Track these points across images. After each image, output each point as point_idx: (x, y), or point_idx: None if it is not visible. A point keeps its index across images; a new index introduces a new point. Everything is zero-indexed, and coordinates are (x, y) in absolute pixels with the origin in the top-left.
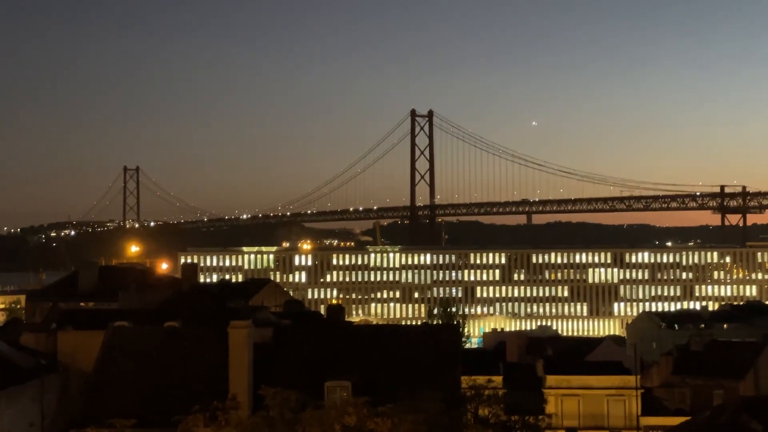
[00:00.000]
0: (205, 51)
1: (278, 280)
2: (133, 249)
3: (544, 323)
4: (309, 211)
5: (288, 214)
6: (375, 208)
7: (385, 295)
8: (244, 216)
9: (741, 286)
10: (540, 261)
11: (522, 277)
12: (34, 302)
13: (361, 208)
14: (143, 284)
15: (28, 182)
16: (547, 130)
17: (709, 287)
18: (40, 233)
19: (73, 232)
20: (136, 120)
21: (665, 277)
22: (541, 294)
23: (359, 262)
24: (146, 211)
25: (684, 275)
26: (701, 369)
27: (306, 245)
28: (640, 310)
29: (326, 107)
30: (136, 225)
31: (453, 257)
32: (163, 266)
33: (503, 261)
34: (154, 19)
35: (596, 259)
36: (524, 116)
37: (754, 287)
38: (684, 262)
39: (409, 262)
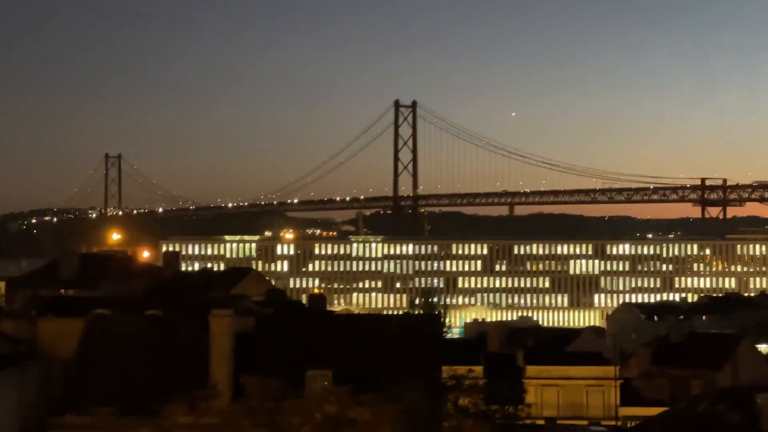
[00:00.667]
0: (189, 39)
1: (260, 269)
2: (115, 237)
3: (525, 314)
4: (292, 201)
5: (271, 203)
6: (358, 198)
7: (367, 285)
8: (227, 205)
9: (720, 278)
10: (522, 252)
11: (504, 268)
12: (14, 289)
13: (344, 198)
14: (125, 272)
15: (8, 169)
16: (529, 121)
17: (689, 279)
18: (20, 220)
19: (54, 219)
20: (119, 107)
21: (645, 269)
22: (522, 285)
23: (341, 252)
24: (128, 199)
25: (664, 267)
26: (680, 360)
27: (288, 234)
28: (621, 302)
29: (310, 96)
30: (119, 213)
31: (435, 247)
32: (145, 254)
33: (485, 252)
34: (137, 6)
35: (577, 251)
36: (507, 108)
37: (733, 279)
38: (664, 254)
39: (392, 252)
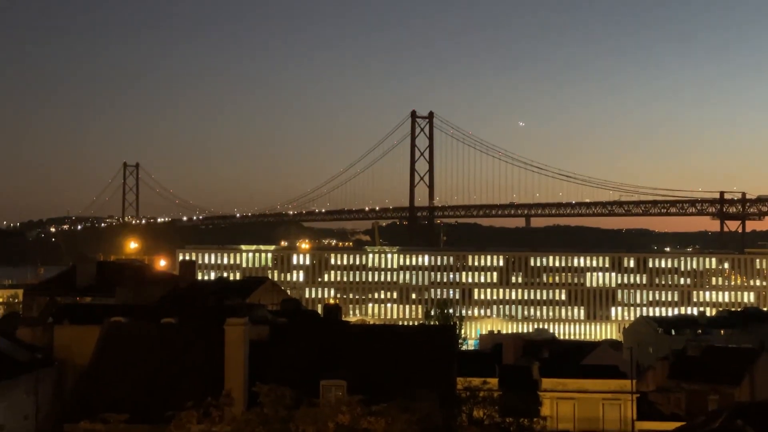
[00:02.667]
0: (207, 50)
1: (276, 278)
2: (132, 245)
3: (541, 326)
4: (308, 211)
5: (287, 213)
6: (374, 208)
7: (382, 296)
8: (244, 214)
9: (739, 293)
10: (538, 264)
11: (520, 279)
12: (32, 296)
13: (360, 209)
14: (141, 280)
15: (28, 177)
16: (546, 133)
17: (707, 293)
18: (39, 228)
19: (73, 227)
20: (137, 116)
21: (663, 282)
22: (538, 297)
23: (357, 262)
24: (145, 207)
25: (682, 281)
26: (697, 374)
27: (304, 244)
28: (638, 315)
29: (327, 107)
30: (136, 221)
31: (451, 259)
32: (161, 263)
33: (501, 263)
34: (156, 18)
35: (594, 263)
36: (524, 120)
37: (752, 294)
38: (682, 268)
39: (407, 263)
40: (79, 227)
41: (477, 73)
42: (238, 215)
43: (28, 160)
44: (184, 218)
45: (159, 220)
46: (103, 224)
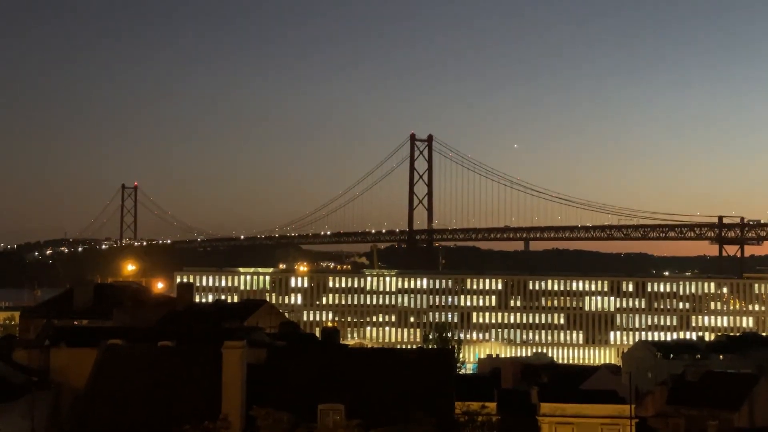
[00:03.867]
0: (205, 71)
1: (274, 301)
2: (130, 267)
3: (539, 350)
4: (306, 234)
5: (285, 235)
6: (372, 231)
7: (380, 319)
8: (242, 237)
9: (737, 317)
10: (537, 288)
11: (518, 303)
12: (29, 319)
13: (358, 231)
14: (138, 303)
15: (25, 199)
16: (545, 157)
17: (706, 318)
18: (36, 250)
19: (71, 249)
20: (135, 138)
21: (662, 307)
22: (537, 321)
23: (355, 285)
24: (144, 229)
25: (681, 305)
26: (696, 399)
27: (302, 267)
28: (636, 339)
29: (326, 129)
30: (134, 243)
31: (450, 282)
32: (159, 285)
33: (500, 287)
34: (154, 37)
35: (593, 287)
36: (523, 143)
37: (750, 318)
38: (681, 292)
39: (406, 286)
40: (77, 249)
41: (477, 97)
42: (236, 237)
43: (25, 182)
44: (183, 240)
45: (156, 241)
46: (102, 246)
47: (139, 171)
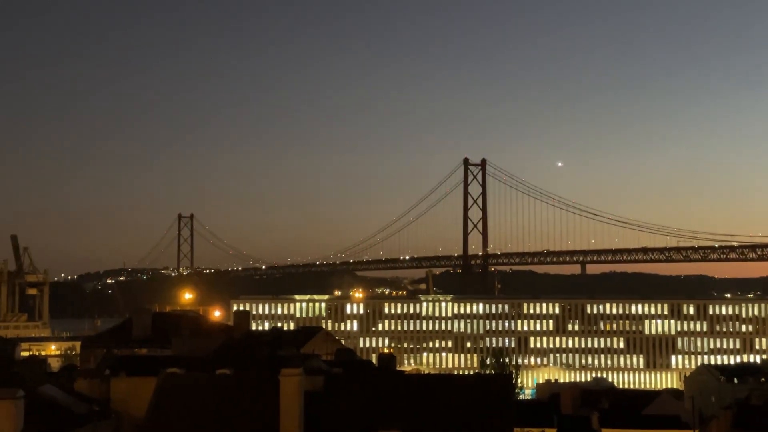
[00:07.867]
0: (259, 102)
1: (330, 328)
2: (187, 296)
3: (599, 375)
4: (361, 260)
5: (340, 262)
6: (427, 256)
7: (437, 345)
8: (297, 264)
9: None
10: (595, 311)
11: (576, 327)
12: (89, 348)
13: (413, 257)
14: (196, 331)
15: (85, 230)
16: (600, 179)
17: None
18: (96, 280)
19: (130, 279)
20: (192, 168)
21: (724, 330)
22: (596, 345)
23: (411, 311)
24: (200, 258)
25: (743, 327)
26: (762, 424)
27: (358, 294)
28: (698, 363)
29: (379, 156)
30: (191, 272)
31: (506, 307)
32: (216, 314)
33: (557, 311)
34: (209, 71)
35: (653, 311)
36: (578, 165)
37: None
38: (743, 314)
39: (462, 311)
40: (135, 278)
41: (531, 120)
42: (291, 264)
43: (84, 213)
44: (238, 268)
45: (213, 270)
46: (158, 275)
47: (196, 200)
